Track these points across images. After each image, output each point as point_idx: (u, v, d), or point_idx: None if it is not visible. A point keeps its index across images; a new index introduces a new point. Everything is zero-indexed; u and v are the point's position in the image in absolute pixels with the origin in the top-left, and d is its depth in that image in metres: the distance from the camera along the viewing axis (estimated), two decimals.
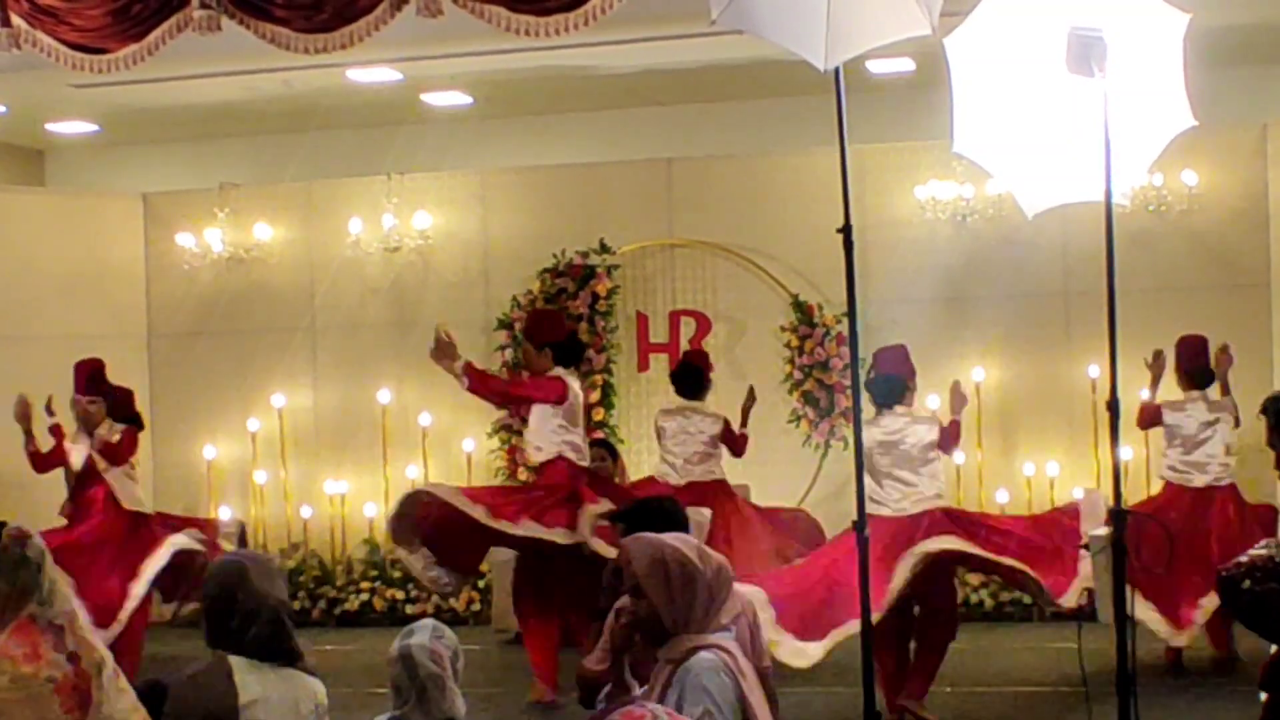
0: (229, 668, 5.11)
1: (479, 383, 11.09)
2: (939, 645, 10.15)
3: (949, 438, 10.30)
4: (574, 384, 11.18)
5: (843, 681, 10.11)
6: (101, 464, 11.55)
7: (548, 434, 11.09)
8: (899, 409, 10.30)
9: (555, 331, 11.41)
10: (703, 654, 4.88)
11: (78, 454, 11.61)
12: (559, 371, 11.11)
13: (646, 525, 5.82)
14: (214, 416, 15.10)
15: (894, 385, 10.31)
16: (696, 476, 12.08)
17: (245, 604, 5.17)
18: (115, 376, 12.37)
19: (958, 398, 10.52)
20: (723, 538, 11.27)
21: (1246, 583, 4.35)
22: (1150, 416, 11.44)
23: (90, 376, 11.69)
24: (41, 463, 11.76)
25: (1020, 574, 10.11)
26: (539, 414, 11.14)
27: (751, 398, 12.43)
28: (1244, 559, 4.60)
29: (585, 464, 11.27)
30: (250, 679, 5.12)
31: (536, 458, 11.40)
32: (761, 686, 5.09)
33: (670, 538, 5.17)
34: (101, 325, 15.06)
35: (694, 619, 4.97)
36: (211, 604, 5.21)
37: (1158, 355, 11.40)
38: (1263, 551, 4.58)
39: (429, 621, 5.50)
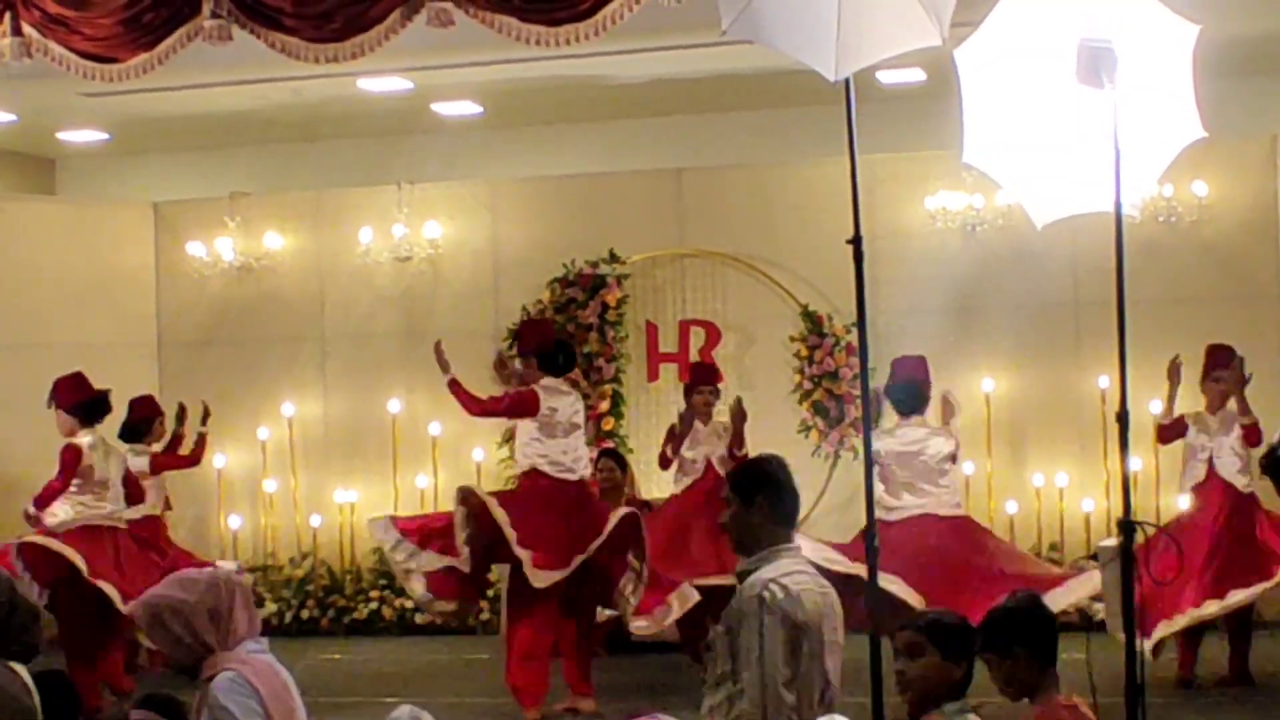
0: (21, 675, 5.18)
1: (461, 397, 11.15)
2: None
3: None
4: (553, 399, 11.00)
5: (851, 689, 10.08)
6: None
7: (522, 446, 11.15)
8: (915, 419, 10.36)
9: (533, 340, 11.42)
10: (221, 675, 5.02)
11: None
12: (546, 382, 11.07)
13: None
14: (224, 425, 15.05)
15: (918, 393, 10.39)
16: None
17: (20, 610, 5.25)
18: (125, 385, 12.39)
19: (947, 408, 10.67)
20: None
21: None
22: (1174, 431, 11.34)
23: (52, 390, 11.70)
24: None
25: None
26: (521, 426, 11.20)
27: (739, 412, 12.23)
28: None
29: (567, 476, 11.03)
30: (30, 683, 5.21)
31: (516, 468, 11.50)
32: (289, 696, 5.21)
33: (161, 585, 5.25)
34: (111, 334, 15.10)
35: (211, 643, 5.07)
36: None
37: (1175, 365, 11.29)
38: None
39: (405, 710, 5.53)
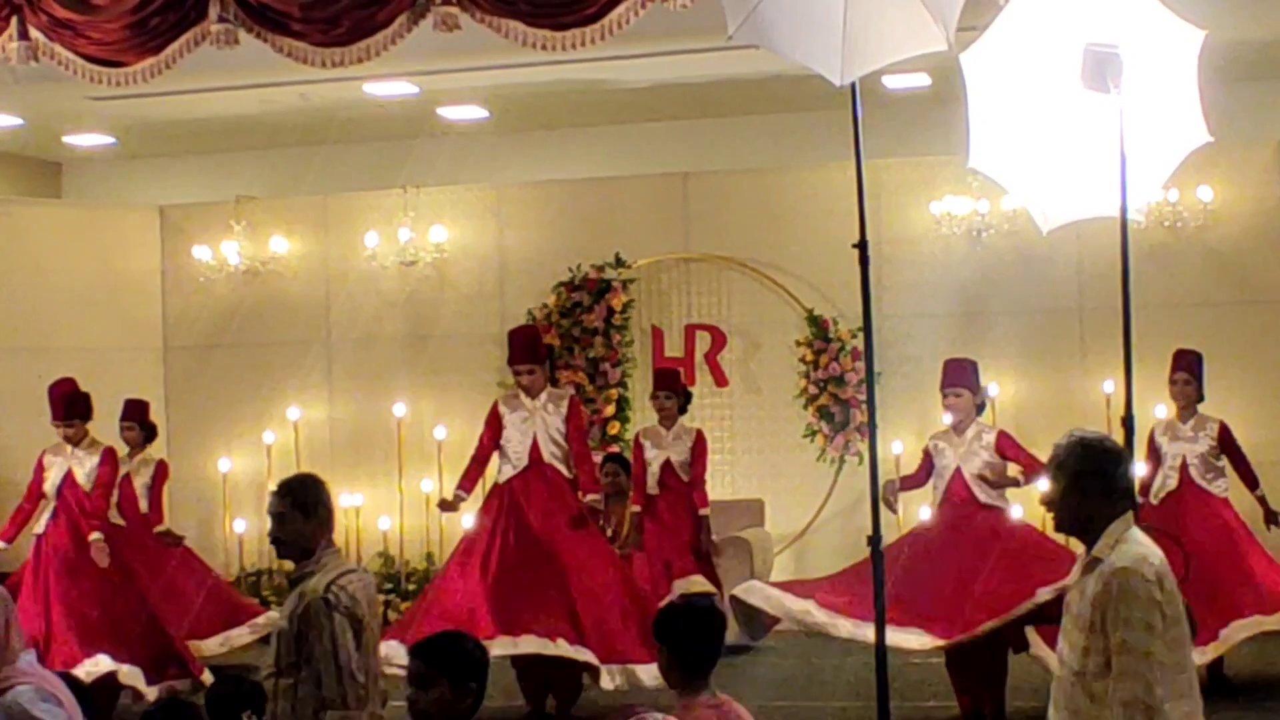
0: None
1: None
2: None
3: None
4: (503, 411, 10.89)
5: (857, 695, 10.10)
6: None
7: None
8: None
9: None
10: (20, 687, 5.02)
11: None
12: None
13: None
14: (229, 429, 15.12)
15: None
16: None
17: None
18: (130, 389, 12.37)
19: None
20: None
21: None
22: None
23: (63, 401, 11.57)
24: None
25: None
26: None
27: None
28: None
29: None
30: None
31: None
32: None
33: None
34: (117, 337, 15.11)
35: None
36: None
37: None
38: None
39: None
